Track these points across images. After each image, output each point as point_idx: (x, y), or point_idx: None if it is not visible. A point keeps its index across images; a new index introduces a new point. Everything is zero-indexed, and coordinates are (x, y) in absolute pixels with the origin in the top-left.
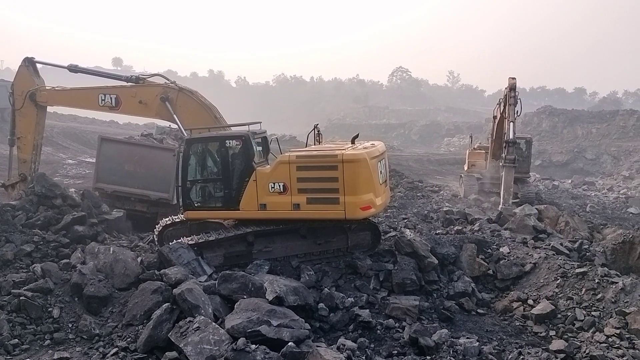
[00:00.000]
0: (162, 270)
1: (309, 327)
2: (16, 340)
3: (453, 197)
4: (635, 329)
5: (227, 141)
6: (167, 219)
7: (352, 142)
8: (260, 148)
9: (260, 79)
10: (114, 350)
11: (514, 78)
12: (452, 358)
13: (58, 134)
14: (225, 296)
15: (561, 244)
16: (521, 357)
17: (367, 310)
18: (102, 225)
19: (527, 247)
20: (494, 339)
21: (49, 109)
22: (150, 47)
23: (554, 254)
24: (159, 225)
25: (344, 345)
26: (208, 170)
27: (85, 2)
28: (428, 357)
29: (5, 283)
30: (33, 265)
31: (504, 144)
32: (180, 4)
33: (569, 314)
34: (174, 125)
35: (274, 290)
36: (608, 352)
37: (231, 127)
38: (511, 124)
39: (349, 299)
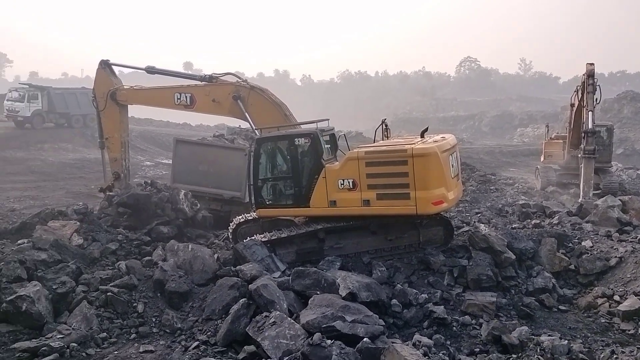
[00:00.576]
0: (237, 267)
1: (383, 323)
2: (104, 334)
3: (529, 190)
4: None
5: (296, 139)
6: (240, 217)
7: (422, 135)
8: (328, 145)
9: (325, 77)
10: (195, 343)
11: (592, 64)
12: (539, 357)
13: (136, 138)
14: (299, 292)
15: None
16: (614, 356)
17: (442, 306)
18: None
19: (612, 240)
20: (578, 336)
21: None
22: (216, 50)
23: None
24: (232, 223)
25: (420, 342)
26: (278, 169)
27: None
28: (513, 356)
29: (93, 280)
30: (118, 263)
31: (583, 134)
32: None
33: None
34: (244, 126)
35: (347, 286)
36: None
37: (300, 125)
38: (590, 112)
39: (422, 295)
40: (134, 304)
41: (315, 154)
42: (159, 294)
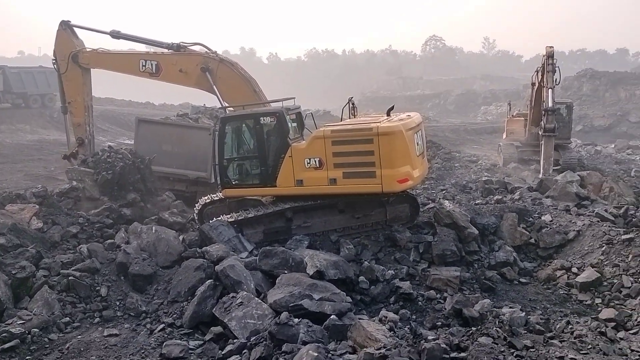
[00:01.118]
0: (203, 248)
1: (351, 300)
2: (67, 318)
3: (492, 167)
4: None
5: (261, 118)
6: (206, 198)
7: (388, 114)
8: (295, 124)
9: (292, 55)
10: (161, 326)
11: (551, 46)
12: (498, 329)
13: (97, 118)
14: (267, 272)
15: (606, 211)
16: (569, 326)
17: (408, 282)
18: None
19: (570, 214)
20: (538, 308)
21: None
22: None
23: (598, 221)
24: (198, 204)
25: (386, 317)
26: (244, 148)
27: None
28: (473, 328)
29: (54, 264)
30: (79, 246)
31: (543, 112)
32: None
33: (615, 281)
34: (209, 104)
35: (315, 265)
36: None
37: (270, 103)
38: (550, 91)
39: (389, 271)
40: (97, 288)
41: (281, 132)
42: (122, 277)
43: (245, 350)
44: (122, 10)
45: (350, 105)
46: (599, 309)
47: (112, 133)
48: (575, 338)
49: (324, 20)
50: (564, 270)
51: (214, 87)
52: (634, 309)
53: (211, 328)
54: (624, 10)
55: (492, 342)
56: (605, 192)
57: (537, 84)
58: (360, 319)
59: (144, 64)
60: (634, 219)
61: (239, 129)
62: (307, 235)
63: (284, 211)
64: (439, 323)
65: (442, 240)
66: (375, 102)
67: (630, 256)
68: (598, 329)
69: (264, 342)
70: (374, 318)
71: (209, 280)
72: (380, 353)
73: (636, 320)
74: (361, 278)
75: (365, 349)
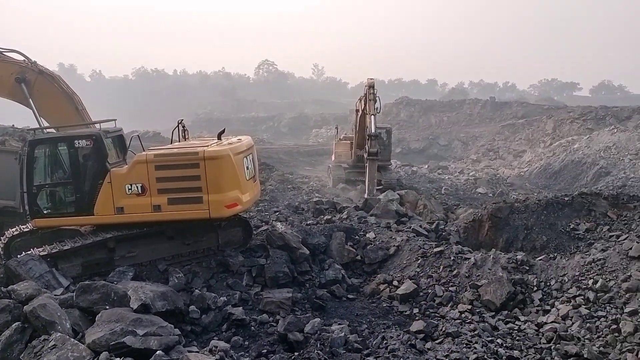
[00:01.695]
0: (9, 287)
1: (179, 333)
2: None
3: (322, 187)
4: (487, 299)
5: (76, 141)
6: (13, 229)
7: (219, 137)
8: (116, 148)
9: (117, 73)
10: None
11: (372, 78)
12: (319, 352)
13: None
14: (85, 309)
15: (420, 226)
16: (384, 342)
17: (240, 307)
18: None
19: (391, 231)
20: (364, 322)
21: None
22: None
23: (414, 236)
24: (4, 236)
25: (217, 346)
26: (57, 174)
27: None
28: (296, 353)
29: None
30: None
31: (367, 137)
32: None
33: (429, 291)
34: (20, 124)
35: (139, 298)
36: (462, 328)
37: (91, 124)
38: (372, 117)
39: (221, 298)
40: None
41: (99, 157)
42: None
43: None
44: None
45: (181, 127)
46: (417, 318)
47: None
48: (389, 353)
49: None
50: (386, 284)
51: (30, 100)
52: (440, 320)
53: None
54: (432, 46)
55: None
56: (420, 208)
57: (360, 111)
58: (189, 351)
59: None
60: (443, 233)
61: (51, 152)
62: (132, 266)
63: (105, 241)
64: (265, 350)
65: (275, 262)
66: (210, 124)
67: (441, 267)
68: (409, 342)
69: None
70: (205, 349)
71: (16, 323)
72: None
73: (442, 330)
74: (192, 307)
75: None
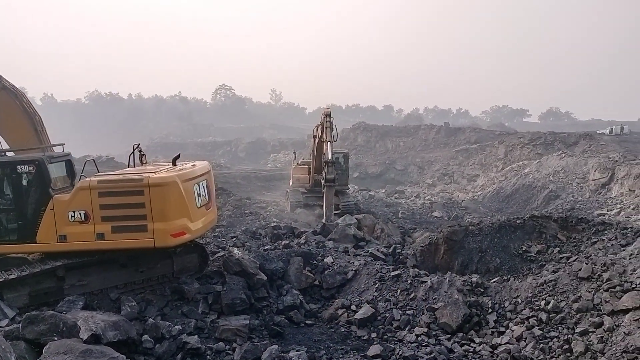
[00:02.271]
0: None
1: None
2: None
3: (280, 212)
4: (443, 322)
5: (18, 166)
6: None
7: (173, 163)
8: (63, 174)
9: (70, 97)
10: None
11: (328, 107)
12: None
13: None
14: (32, 340)
15: (378, 250)
16: None
17: (196, 336)
18: None
19: (349, 255)
20: (322, 347)
21: None
22: None
23: (372, 260)
24: None
25: None
26: (0, 199)
27: None
28: None
29: None
30: None
31: (324, 164)
32: None
33: (387, 315)
34: None
35: (89, 328)
36: (418, 351)
37: (52, 147)
38: (329, 144)
39: (176, 326)
40: None
41: (42, 183)
42: None
43: None
44: None
45: (138, 152)
46: (375, 342)
47: None
48: None
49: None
50: (344, 309)
51: None
52: (397, 343)
53: None
54: (391, 72)
55: None
56: (378, 232)
57: (318, 138)
58: None
59: None
60: (400, 257)
61: None
62: (83, 295)
63: (54, 269)
64: None
65: (232, 289)
66: (165, 148)
67: (399, 291)
68: None
69: None
70: None
71: None
72: None
73: (398, 354)
74: (145, 337)
75: None
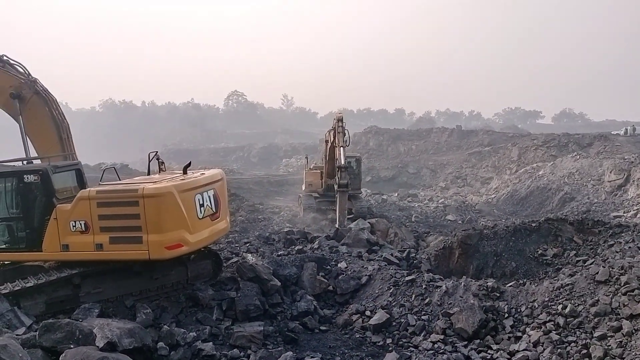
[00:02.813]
0: None
1: None
2: None
3: (293, 217)
4: (459, 327)
5: (25, 176)
6: None
7: (184, 171)
8: (72, 182)
9: (84, 105)
10: None
11: (340, 112)
12: None
13: None
14: (49, 348)
15: (392, 255)
16: None
17: (211, 343)
18: None
19: (363, 260)
20: (337, 354)
21: None
22: None
23: (386, 265)
24: None
25: None
26: (7, 208)
27: None
28: None
29: None
30: None
31: (337, 169)
32: None
33: (402, 320)
34: None
35: (105, 336)
36: (435, 359)
37: (74, 156)
38: (341, 149)
39: (190, 333)
40: None
41: (47, 192)
42: None
43: None
44: None
45: (157, 159)
46: (390, 349)
47: None
48: None
49: (122, 70)
50: (359, 314)
51: (20, 117)
52: (414, 351)
53: None
54: (398, 77)
55: None
56: (391, 237)
57: (330, 143)
58: None
59: None
60: (414, 261)
61: (1, 187)
62: (98, 303)
63: (70, 277)
64: None
65: (246, 295)
66: (178, 154)
67: (413, 296)
68: None
69: None
70: None
71: None
72: None
73: None
74: (160, 344)
75: None
